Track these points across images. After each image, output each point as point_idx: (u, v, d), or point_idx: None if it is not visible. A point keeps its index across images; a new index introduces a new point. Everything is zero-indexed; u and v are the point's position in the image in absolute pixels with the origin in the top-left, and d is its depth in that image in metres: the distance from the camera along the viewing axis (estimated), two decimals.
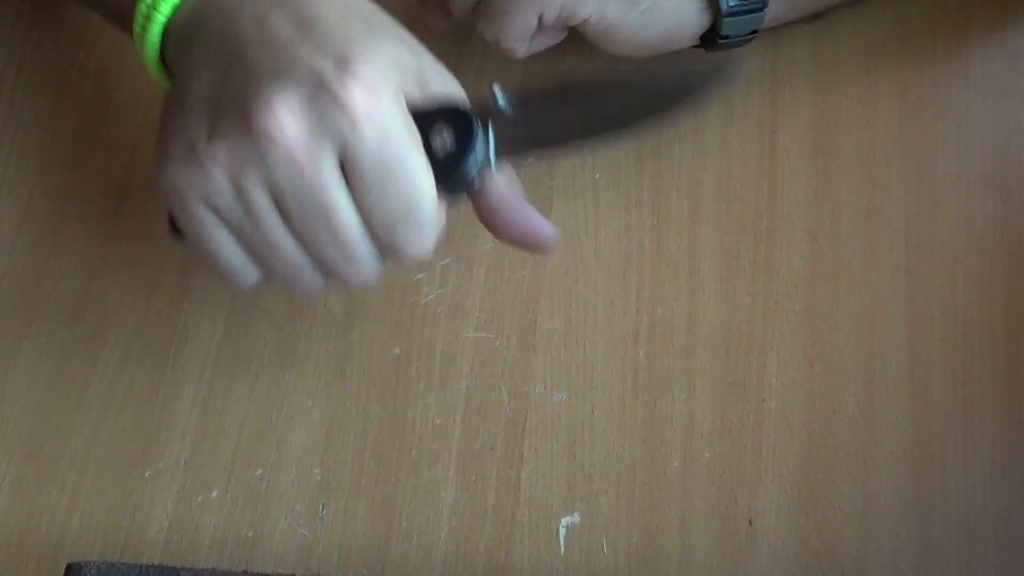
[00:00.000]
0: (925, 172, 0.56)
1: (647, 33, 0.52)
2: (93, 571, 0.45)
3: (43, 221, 0.53)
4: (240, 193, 0.39)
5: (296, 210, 0.39)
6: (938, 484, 0.50)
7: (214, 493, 0.49)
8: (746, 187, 0.55)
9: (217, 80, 0.40)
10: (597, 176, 0.55)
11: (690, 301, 0.53)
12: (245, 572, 0.47)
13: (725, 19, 0.52)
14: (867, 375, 0.52)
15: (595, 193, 0.55)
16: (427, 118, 0.41)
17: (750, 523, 0.49)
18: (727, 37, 0.53)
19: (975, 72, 0.58)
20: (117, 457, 0.49)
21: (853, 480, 0.50)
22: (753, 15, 0.52)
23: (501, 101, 0.42)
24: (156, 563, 0.47)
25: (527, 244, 0.45)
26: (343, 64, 0.38)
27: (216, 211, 0.40)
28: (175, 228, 0.43)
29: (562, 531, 0.49)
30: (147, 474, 0.49)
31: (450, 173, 0.41)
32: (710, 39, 0.53)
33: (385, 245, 0.41)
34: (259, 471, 0.50)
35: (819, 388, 0.52)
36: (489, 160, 0.42)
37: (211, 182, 0.39)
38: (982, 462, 0.51)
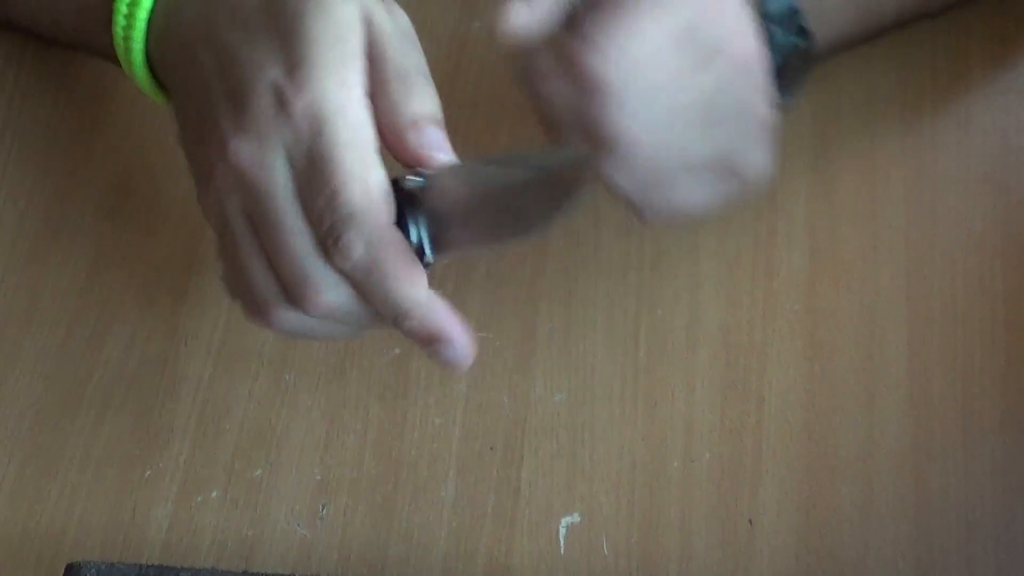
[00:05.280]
0: (925, 172, 0.56)
1: None
2: (93, 571, 0.45)
3: (43, 221, 0.53)
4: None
5: (258, 225, 0.39)
6: (938, 484, 0.50)
7: (214, 493, 0.49)
8: None
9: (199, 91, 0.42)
10: None
11: (690, 301, 0.53)
12: (245, 572, 0.47)
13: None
14: (867, 375, 0.52)
15: (595, 193, 0.55)
16: None
17: (750, 523, 0.49)
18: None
19: (975, 72, 0.58)
20: (117, 457, 0.49)
21: (853, 480, 0.50)
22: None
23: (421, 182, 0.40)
24: (156, 563, 0.47)
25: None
26: (292, 70, 0.39)
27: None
28: None
29: (562, 531, 0.49)
30: (147, 474, 0.49)
31: None
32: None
33: (329, 249, 0.39)
34: (259, 471, 0.50)
35: (819, 388, 0.52)
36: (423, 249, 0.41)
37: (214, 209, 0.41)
38: (982, 462, 0.50)
